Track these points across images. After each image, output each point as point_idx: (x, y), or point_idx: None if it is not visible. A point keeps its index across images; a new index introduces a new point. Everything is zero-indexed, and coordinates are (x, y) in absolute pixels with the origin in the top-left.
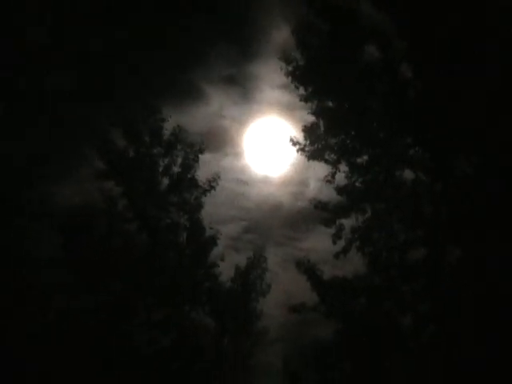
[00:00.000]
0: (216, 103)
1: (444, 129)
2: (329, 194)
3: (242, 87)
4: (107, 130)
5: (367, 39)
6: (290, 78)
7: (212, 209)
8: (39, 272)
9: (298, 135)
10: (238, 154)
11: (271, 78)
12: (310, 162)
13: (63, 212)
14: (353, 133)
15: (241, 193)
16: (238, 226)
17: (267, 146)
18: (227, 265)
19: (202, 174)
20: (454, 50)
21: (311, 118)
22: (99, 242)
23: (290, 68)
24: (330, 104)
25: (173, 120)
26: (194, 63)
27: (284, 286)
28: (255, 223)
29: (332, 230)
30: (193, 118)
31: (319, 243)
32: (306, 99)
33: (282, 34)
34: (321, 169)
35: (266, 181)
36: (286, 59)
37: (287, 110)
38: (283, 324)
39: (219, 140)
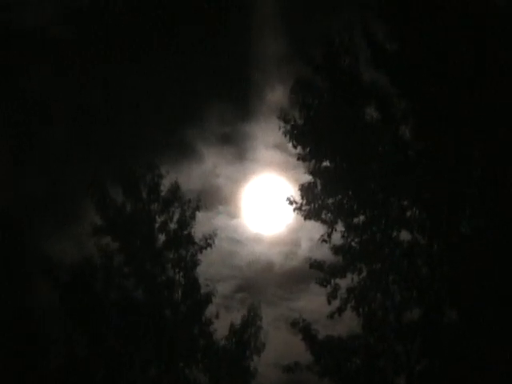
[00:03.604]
0: (210, 162)
1: (443, 191)
2: (320, 254)
3: (236, 146)
4: (105, 185)
5: (367, 99)
6: (287, 136)
7: (204, 267)
8: (38, 326)
9: (293, 195)
10: (231, 213)
11: (266, 137)
12: (302, 221)
13: (61, 267)
14: (350, 193)
15: (233, 251)
16: (229, 285)
17: (261, 205)
18: (219, 323)
19: (194, 232)
20: (454, 112)
21: (306, 178)
22: (96, 297)
23: (288, 127)
24: (328, 164)
25: (168, 178)
26: (188, 122)
27: (275, 346)
28: (247, 282)
29: (326, 290)
30: (187, 177)
31: (311, 303)
32: (303, 158)
33: (276, 94)
34: (313, 229)
35: (258, 240)
36: (284, 118)
37: (281, 169)
38: (276, 383)
39: (213, 198)
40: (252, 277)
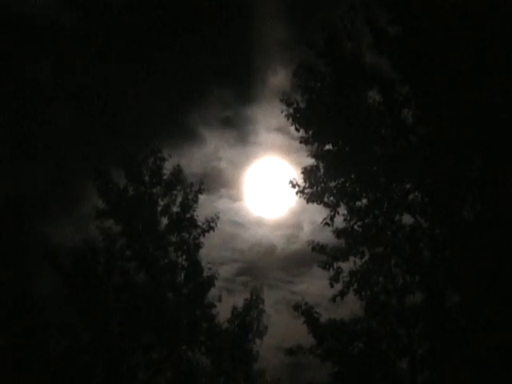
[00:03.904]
0: (212, 145)
1: (445, 175)
2: (323, 238)
3: (238, 130)
4: (107, 169)
5: (369, 83)
6: (289, 120)
7: (206, 250)
8: (40, 310)
9: (295, 178)
10: (233, 196)
11: (268, 120)
12: (305, 204)
13: (63, 251)
14: (353, 176)
15: (235, 235)
16: (231, 268)
17: (263, 189)
18: (221, 306)
19: (197, 215)
20: (456, 96)
21: (308, 161)
22: (98, 281)
23: (291, 110)
24: (331, 147)
25: (170, 161)
26: (190, 106)
27: (277, 329)
28: (249, 265)
29: (329, 273)
30: (189, 160)
31: (313, 286)
32: (305, 141)
33: (278, 78)
34: (316, 212)
35: (260, 223)
36: (287, 101)
37: (284, 152)
38: (277, 366)
39: (215, 182)
40: (254, 260)
